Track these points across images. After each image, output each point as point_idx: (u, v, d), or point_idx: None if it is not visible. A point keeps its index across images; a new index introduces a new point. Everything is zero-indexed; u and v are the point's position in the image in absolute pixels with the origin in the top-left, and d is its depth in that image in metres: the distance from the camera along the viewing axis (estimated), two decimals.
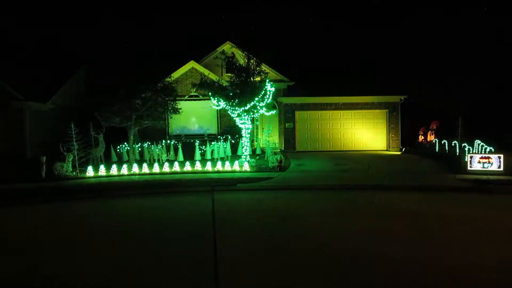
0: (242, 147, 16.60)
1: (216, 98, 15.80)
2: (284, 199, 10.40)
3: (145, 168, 14.39)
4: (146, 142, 18.12)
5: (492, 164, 13.31)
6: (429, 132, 21.47)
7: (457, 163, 14.43)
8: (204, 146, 17.94)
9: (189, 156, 17.15)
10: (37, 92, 18.85)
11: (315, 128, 21.05)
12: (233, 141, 19.12)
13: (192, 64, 20.39)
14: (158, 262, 5.71)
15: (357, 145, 20.92)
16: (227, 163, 14.65)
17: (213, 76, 18.53)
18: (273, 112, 18.19)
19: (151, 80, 14.95)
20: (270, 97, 15.79)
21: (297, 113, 20.89)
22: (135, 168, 14.36)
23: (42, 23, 28.42)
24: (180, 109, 17.19)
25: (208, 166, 14.48)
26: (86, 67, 21.91)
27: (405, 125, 21.27)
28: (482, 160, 13.46)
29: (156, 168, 14.50)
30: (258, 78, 15.93)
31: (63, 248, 6.48)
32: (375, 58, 27.29)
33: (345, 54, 26.80)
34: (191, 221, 8.15)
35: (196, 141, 17.91)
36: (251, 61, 15.79)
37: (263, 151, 18.81)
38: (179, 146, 17.48)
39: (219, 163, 14.64)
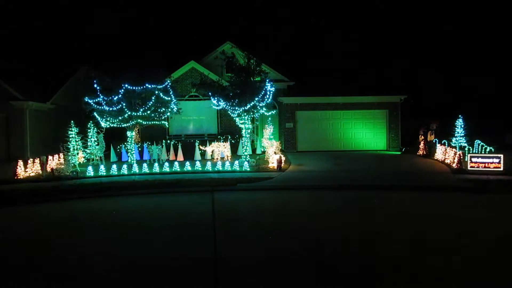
0: (242, 147, 16.59)
1: (216, 98, 15.79)
2: (284, 199, 10.39)
3: (145, 168, 14.39)
4: (146, 142, 18.13)
5: (492, 164, 13.31)
6: (429, 132, 21.45)
7: (457, 163, 14.40)
8: (204, 146, 17.94)
9: (189, 156, 17.15)
10: (37, 92, 18.87)
11: (315, 128, 21.03)
12: (233, 141, 19.12)
13: (192, 64, 20.40)
14: (158, 261, 5.71)
15: (357, 145, 20.91)
16: (227, 163, 14.65)
17: (213, 76, 18.53)
18: (273, 112, 18.18)
19: (151, 80, 14.95)
20: (270, 97, 15.78)
21: (297, 113, 20.88)
22: (135, 168, 14.36)
23: (42, 23, 28.44)
24: (180, 109, 17.20)
25: (208, 166, 14.48)
26: (86, 67, 21.94)
27: (405, 125, 21.25)
28: (482, 160, 13.46)
29: (156, 168, 14.50)
30: (258, 78, 15.91)
31: (59, 247, 6.49)
32: (375, 58, 27.30)
33: (345, 54, 26.80)
34: (191, 220, 8.15)
35: (196, 141, 17.91)
36: (251, 61, 15.76)
37: (263, 151, 18.80)
38: (179, 146, 17.49)
39: (219, 163, 14.64)
